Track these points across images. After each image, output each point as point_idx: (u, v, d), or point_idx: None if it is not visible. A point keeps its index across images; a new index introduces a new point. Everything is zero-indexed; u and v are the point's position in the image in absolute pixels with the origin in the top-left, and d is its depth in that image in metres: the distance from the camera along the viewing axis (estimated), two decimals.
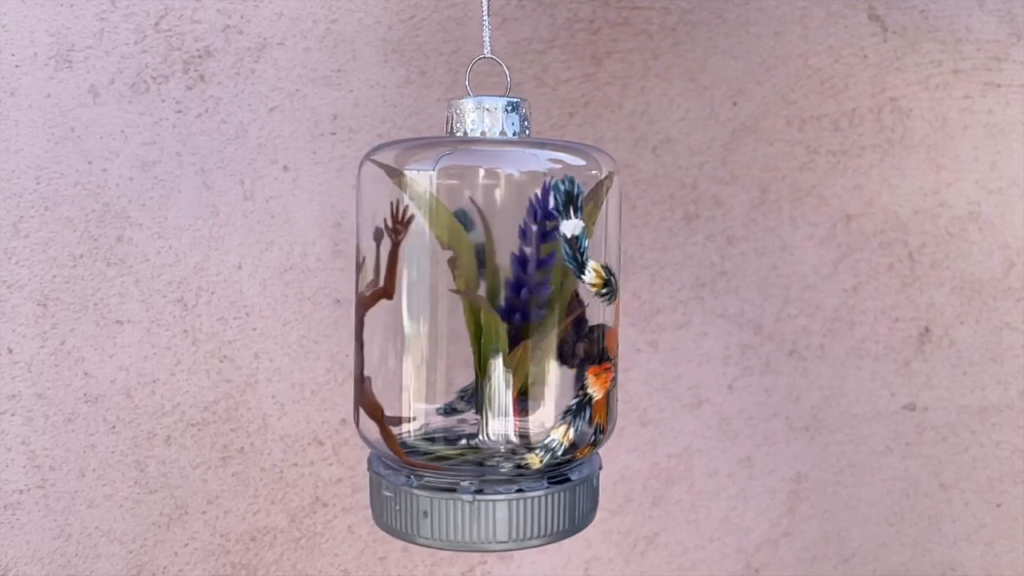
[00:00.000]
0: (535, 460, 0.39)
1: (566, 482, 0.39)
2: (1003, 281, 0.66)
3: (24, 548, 0.53)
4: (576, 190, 0.38)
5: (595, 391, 0.40)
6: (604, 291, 0.40)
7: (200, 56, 0.54)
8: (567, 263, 0.38)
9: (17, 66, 0.51)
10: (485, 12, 0.41)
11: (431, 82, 0.57)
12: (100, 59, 0.52)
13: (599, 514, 0.62)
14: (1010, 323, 0.66)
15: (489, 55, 0.41)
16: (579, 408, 0.39)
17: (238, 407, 0.56)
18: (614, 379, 0.41)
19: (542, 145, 0.41)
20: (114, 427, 0.54)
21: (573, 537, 0.62)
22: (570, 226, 0.38)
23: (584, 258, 0.38)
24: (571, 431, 0.39)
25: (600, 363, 0.40)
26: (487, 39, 0.41)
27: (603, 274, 0.39)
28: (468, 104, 0.40)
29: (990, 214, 0.65)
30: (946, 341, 0.66)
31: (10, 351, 0.52)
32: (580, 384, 0.40)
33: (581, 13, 0.59)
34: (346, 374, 0.57)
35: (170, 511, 0.55)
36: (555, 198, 0.38)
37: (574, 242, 0.38)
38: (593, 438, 0.40)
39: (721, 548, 0.65)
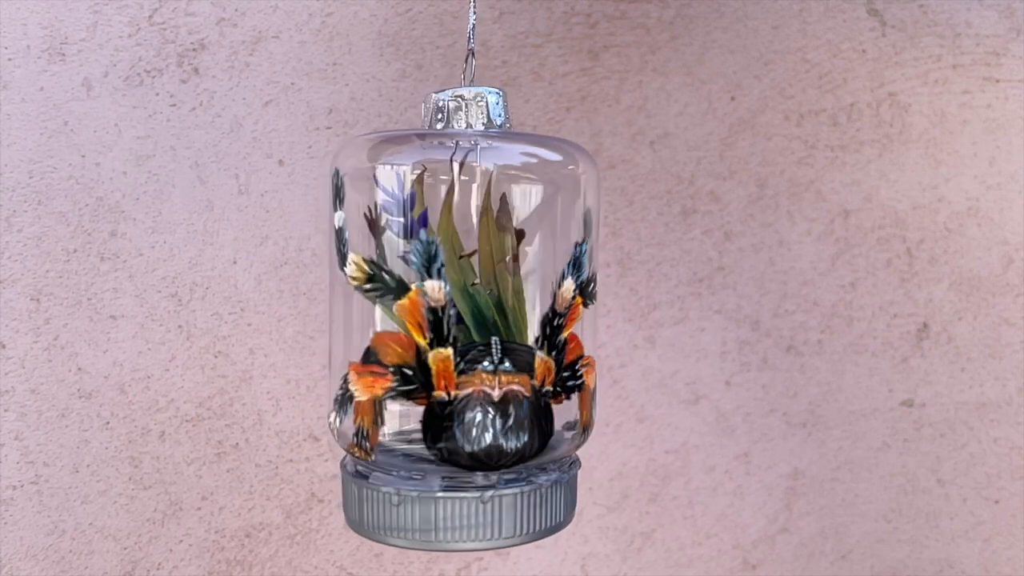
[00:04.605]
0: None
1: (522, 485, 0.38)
2: (1001, 277, 0.65)
3: (18, 544, 0.53)
4: (339, 182, 0.38)
5: (356, 390, 0.37)
6: (368, 287, 0.37)
7: (194, 49, 0.53)
8: (337, 254, 0.38)
9: (10, 59, 0.51)
10: (472, 5, 0.41)
11: (427, 76, 0.56)
12: (93, 52, 0.52)
13: (596, 510, 0.62)
14: (1008, 319, 0.66)
15: (471, 47, 0.41)
16: (340, 400, 0.38)
17: (233, 403, 0.55)
18: (393, 390, 0.37)
19: (516, 139, 0.40)
20: (108, 423, 0.54)
21: (570, 533, 0.62)
22: (338, 218, 0.38)
23: (345, 250, 0.38)
24: (337, 419, 0.38)
25: (366, 363, 0.37)
26: (472, 31, 0.41)
27: (366, 268, 0.37)
28: (444, 95, 0.39)
29: (989, 209, 0.65)
30: (944, 337, 0.65)
31: (3, 346, 0.52)
32: (344, 376, 0.38)
33: (578, 7, 0.58)
34: None
35: (164, 507, 0.55)
36: (331, 190, 0.38)
37: (339, 234, 0.38)
38: (356, 440, 0.37)
39: (718, 544, 0.64)
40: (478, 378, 0.36)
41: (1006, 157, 0.65)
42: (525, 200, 0.39)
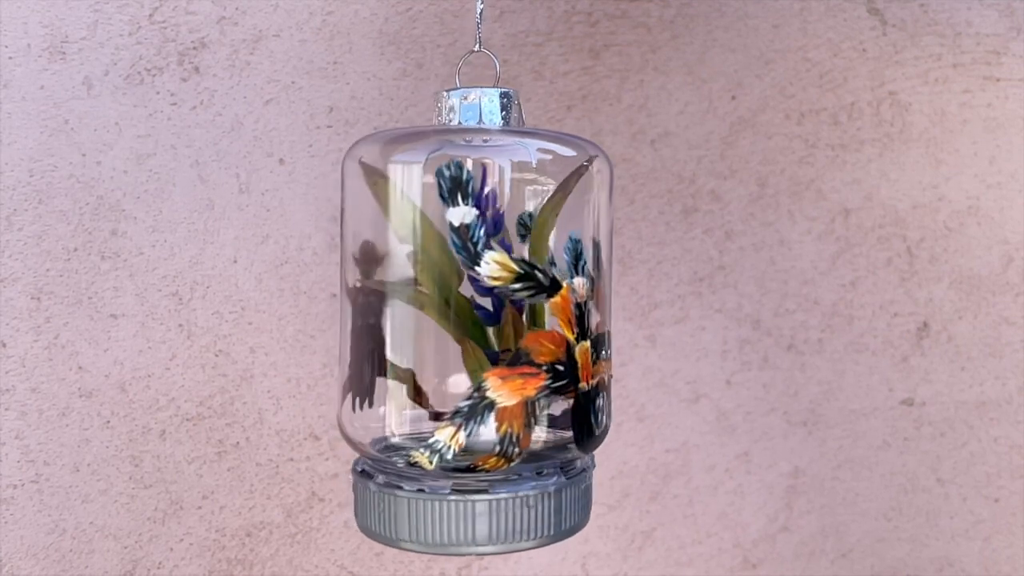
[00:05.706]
0: (423, 460, 0.35)
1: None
2: (1002, 276, 0.65)
3: (18, 543, 0.53)
4: (465, 176, 0.36)
5: (501, 396, 0.35)
6: (519, 287, 0.36)
7: (195, 48, 0.53)
8: (457, 254, 0.36)
9: (10, 58, 0.51)
10: (478, 6, 0.41)
11: (428, 75, 0.56)
12: (94, 51, 0.52)
13: (597, 509, 0.62)
14: (1008, 318, 0.66)
15: (479, 49, 0.41)
16: (471, 411, 0.35)
17: (233, 402, 0.55)
18: (546, 388, 0.36)
19: (531, 135, 0.40)
20: (109, 422, 0.54)
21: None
22: (458, 214, 0.35)
23: (478, 248, 0.35)
24: (461, 434, 0.35)
25: (515, 366, 0.36)
26: (479, 32, 0.41)
27: (515, 267, 0.35)
28: (456, 95, 0.39)
29: (989, 208, 0.65)
30: (944, 336, 0.65)
31: (3, 345, 0.52)
32: (477, 385, 0.36)
33: (579, 5, 0.58)
34: None
35: (165, 506, 0.55)
36: (441, 184, 0.35)
37: (464, 231, 0.35)
38: (500, 448, 0.36)
39: (719, 543, 0.64)
40: (601, 367, 0.38)
41: (1006, 156, 0.65)
42: (537, 196, 0.39)
